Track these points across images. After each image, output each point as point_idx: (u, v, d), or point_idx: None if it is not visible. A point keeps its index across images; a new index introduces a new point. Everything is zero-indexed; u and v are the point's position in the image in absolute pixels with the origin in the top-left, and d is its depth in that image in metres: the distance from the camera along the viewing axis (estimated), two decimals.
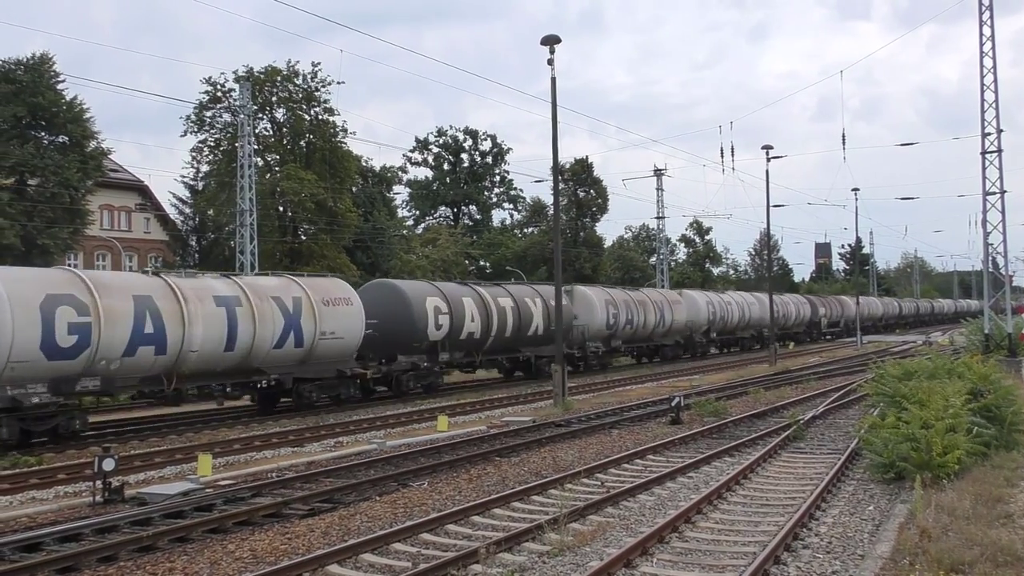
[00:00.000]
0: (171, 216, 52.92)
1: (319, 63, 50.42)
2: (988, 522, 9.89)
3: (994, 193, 34.57)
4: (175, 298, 20.36)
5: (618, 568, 8.93)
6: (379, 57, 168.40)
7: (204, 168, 49.36)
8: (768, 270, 69.82)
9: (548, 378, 32.15)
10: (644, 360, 46.13)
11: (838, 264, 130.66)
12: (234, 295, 21.95)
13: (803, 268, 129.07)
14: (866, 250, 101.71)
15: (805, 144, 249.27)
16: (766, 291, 66.52)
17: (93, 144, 38.98)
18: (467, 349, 30.67)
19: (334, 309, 24.47)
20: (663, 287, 58.63)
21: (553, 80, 25.55)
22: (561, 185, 47.15)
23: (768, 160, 43.77)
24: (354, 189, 54.16)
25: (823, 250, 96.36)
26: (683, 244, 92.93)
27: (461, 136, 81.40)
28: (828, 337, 72.54)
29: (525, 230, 78.23)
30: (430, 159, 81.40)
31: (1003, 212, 34.62)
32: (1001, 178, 34.42)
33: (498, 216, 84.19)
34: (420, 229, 74.02)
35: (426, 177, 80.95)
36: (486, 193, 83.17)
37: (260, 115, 46.48)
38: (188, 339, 20.30)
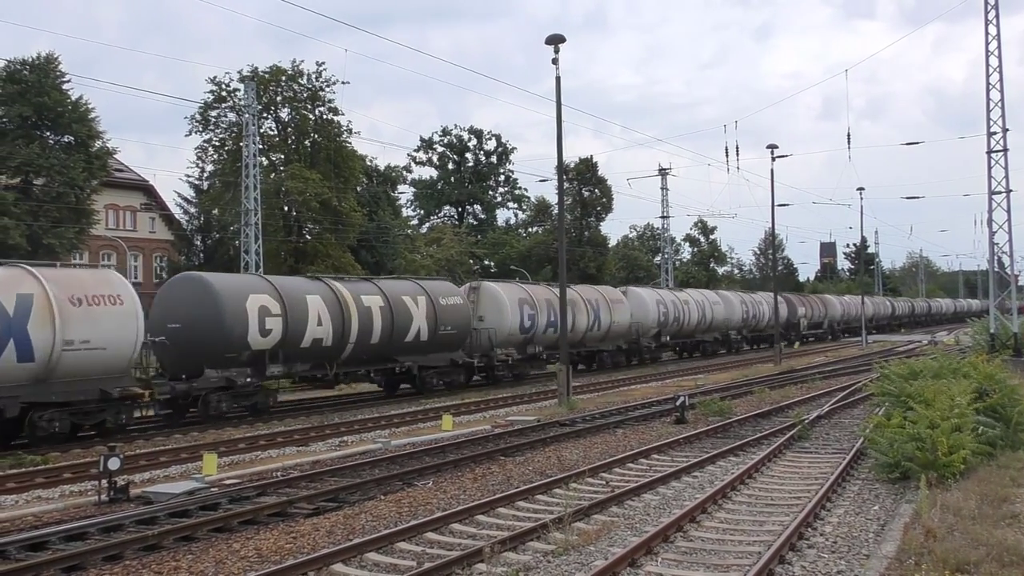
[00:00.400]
0: (176, 216, 53.06)
1: (324, 63, 50.91)
2: (994, 522, 9.87)
3: (1000, 192, 34.55)
4: None
5: (623, 567, 8.93)
6: (384, 57, 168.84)
7: (209, 168, 49.44)
8: (772, 269, 69.76)
9: (437, 393, 28.63)
10: (581, 367, 39.55)
11: (843, 264, 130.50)
12: None
13: (808, 267, 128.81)
14: (871, 249, 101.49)
15: (810, 143, 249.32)
16: (754, 290, 63.63)
17: (98, 144, 39.08)
18: (315, 360, 24.70)
19: (90, 310, 18.68)
20: (668, 287, 58.47)
21: (558, 79, 25.58)
22: (566, 184, 47.08)
23: (773, 159, 43.78)
24: (359, 188, 54.24)
25: (828, 249, 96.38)
26: (688, 243, 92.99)
27: (466, 135, 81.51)
28: (810, 339, 66.82)
29: (529, 229, 78.26)
30: (435, 158, 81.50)
31: (1009, 211, 34.61)
32: (1007, 177, 34.41)
33: (502, 216, 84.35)
34: (425, 228, 74.12)
35: (431, 176, 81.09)
36: (490, 192, 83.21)
37: (265, 115, 46.53)
38: None
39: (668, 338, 45.10)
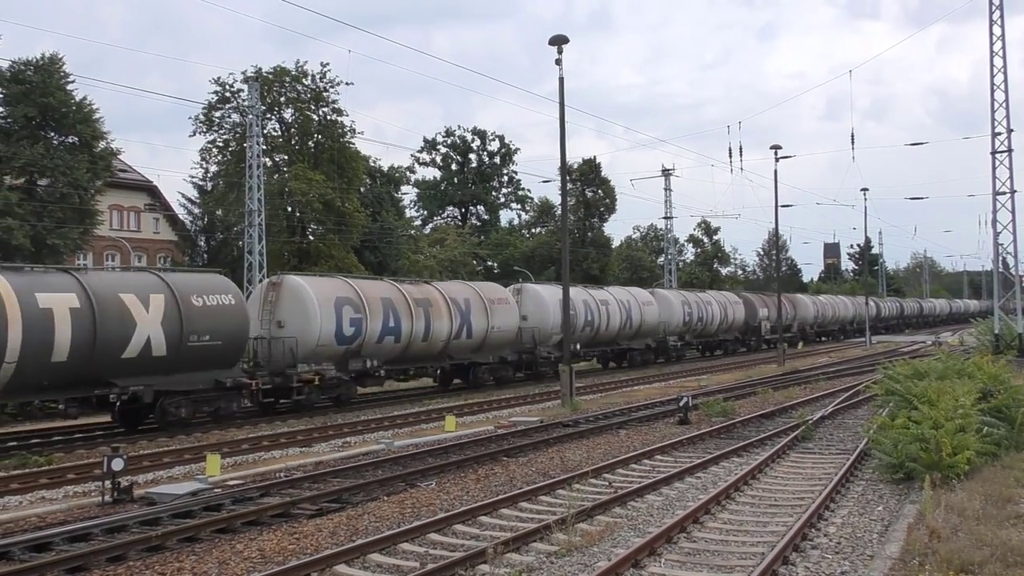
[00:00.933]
0: (180, 216, 53.08)
1: (328, 63, 50.76)
2: (998, 522, 9.85)
3: (1004, 193, 34.59)
4: None
5: (626, 568, 8.93)
6: (387, 57, 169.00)
7: (213, 168, 49.50)
8: (776, 270, 69.68)
9: (188, 430, 20.84)
10: (456, 383, 31.78)
11: (847, 264, 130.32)
12: None
13: (812, 268, 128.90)
14: (875, 250, 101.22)
15: (814, 144, 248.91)
16: (704, 288, 58.80)
17: (102, 144, 39.09)
18: None
19: None
20: (671, 287, 58.27)
21: (561, 80, 25.55)
22: (569, 185, 46.93)
23: (776, 160, 43.73)
24: (362, 189, 54.31)
25: (832, 250, 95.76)
26: (691, 244, 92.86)
27: (469, 136, 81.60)
28: (775, 345, 59.45)
29: (533, 230, 78.30)
30: (438, 159, 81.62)
31: (1013, 212, 34.74)
32: (1011, 178, 34.48)
33: (506, 216, 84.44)
34: (428, 229, 74.19)
35: (434, 177, 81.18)
36: (494, 193, 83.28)
37: (269, 115, 46.63)
38: None
39: (579, 346, 36.37)
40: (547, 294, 35.35)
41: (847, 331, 73.52)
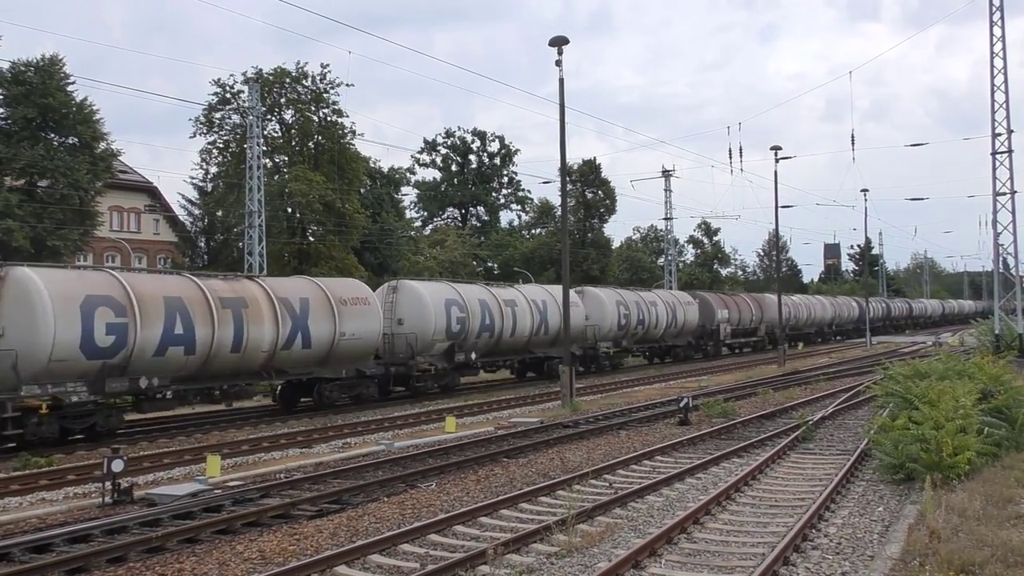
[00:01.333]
0: (180, 217, 53.05)
1: (328, 65, 50.79)
2: (999, 523, 9.85)
3: (1004, 194, 34.63)
4: None
5: (626, 569, 8.92)
6: (388, 59, 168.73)
7: (213, 170, 49.46)
8: (776, 271, 69.60)
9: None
10: (306, 401, 25.87)
11: (848, 265, 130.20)
12: None
13: (812, 269, 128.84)
14: (876, 251, 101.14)
15: (814, 145, 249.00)
16: (649, 287, 54.75)
17: (103, 145, 39.07)
18: None
19: None
20: (671, 288, 58.18)
21: (561, 81, 25.57)
22: (569, 186, 46.81)
23: (777, 161, 43.73)
24: (362, 190, 54.30)
25: (832, 251, 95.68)
26: (691, 245, 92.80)
27: (469, 137, 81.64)
28: (743, 350, 55.16)
29: (533, 231, 78.29)
30: (438, 160, 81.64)
31: (1013, 212, 34.80)
32: (1012, 178, 34.52)
33: (506, 217, 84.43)
34: (428, 230, 74.22)
35: (434, 178, 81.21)
36: (494, 194, 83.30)
37: (269, 116, 46.62)
38: None
39: (473, 355, 30.91)
40: (427, 292, 29.50)
41: (824, 334, 70.03)
